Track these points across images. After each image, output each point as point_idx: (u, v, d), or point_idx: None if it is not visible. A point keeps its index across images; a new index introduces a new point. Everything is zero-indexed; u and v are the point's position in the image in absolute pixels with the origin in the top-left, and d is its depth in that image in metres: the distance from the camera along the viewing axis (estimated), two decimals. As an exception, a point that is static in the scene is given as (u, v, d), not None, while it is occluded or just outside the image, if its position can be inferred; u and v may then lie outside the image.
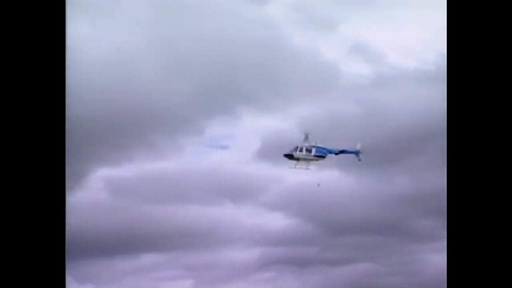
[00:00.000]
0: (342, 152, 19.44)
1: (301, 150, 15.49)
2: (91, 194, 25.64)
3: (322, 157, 15.01)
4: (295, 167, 15.74)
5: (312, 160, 14.74)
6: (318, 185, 34.64)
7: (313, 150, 15.01)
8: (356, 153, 19.04)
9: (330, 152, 18.03)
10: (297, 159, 15.42)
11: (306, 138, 16.34)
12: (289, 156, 15.61)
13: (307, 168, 15.27)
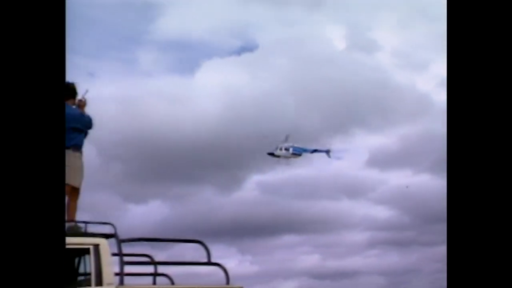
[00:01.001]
0: (315, 151, 20.93)
1: (281, 149, 16.44)
2: (247, 193, 33.76)
3: (299, 155, 15.91)
4: (278, 163, 17.24)
5: (290, 157, 15.54)
6: (407, 187, 41.92)
7: (291, 149, 15.88)
8: (327, 151, 20.76)
9: (305, 151, 19.17)
10: (278, 156, 16.42)
11: (286, 139, 17.11)
12: (271, 154, 16.60)
13: (287, 164, 16.41)
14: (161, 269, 8.13)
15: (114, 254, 7.25)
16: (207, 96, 35.41)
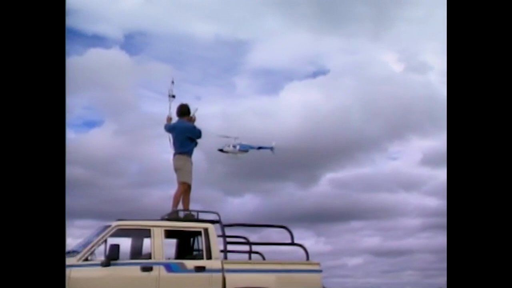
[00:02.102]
0: (260, 148, 21.33)
1: (229, 146, 17.31)
2: (321, 188, 37.38)
3: (246, 151, 16.48)
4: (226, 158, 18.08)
5: (238, 153, 16.23)
6: None
7: (238, 146, 16.54)
8: (271, 148, 21.03)
9: (252, 148, 19.68)
10: (227, 152, 17.19)
11: (235, 138, 18.00)
12: (221, 150, 17.45)
13: (236, 159, 17.13)
14: (254, 248, 9.43)
15: (219, 236, 8.57)
16: (289, 111, 40.07)
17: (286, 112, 39.39)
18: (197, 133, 9.96)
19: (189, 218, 9.03)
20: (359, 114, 39.24)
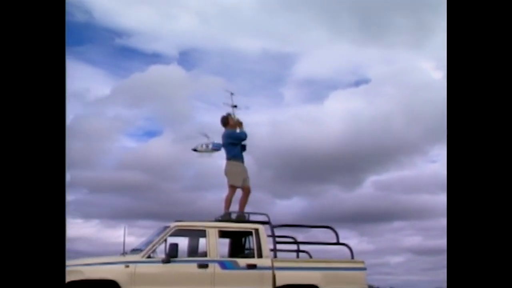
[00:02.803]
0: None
1: (202, 146, 17.17)
2: (365, 190, 38.33)
3: (218, 149, 16.17)
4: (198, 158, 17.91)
5: (211, 152, 16.03)
6: None
7: (210, 145, 16.32)
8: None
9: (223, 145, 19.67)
10: (200, 151, 17.05)
11: (207, 137, 17.80)
12: (194, 150, 17.37)
13: (209, 157, 17.03)
14: (302, 247, 9.77)
15: (268, 236, 9.04)
16: (334, 118, 41.23)
17: (331, 119, 40.37)
18: (238, 136, 10.47)
19: (241, 219, 9.59)
20: (400, 120, 39.63)
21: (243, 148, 10.55)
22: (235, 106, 10.87)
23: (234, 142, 10.46)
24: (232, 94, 10.93)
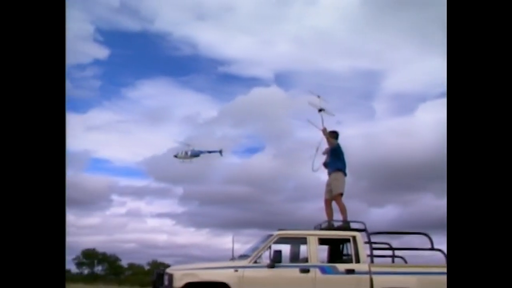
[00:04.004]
0: (210, 152, 19.83)
1: (182, 153, 16.63)
2: None
3: (197, 156, 15.55)
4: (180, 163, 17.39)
5: (190, 158, 15.52)
6: None
7: (189, 152, 15.79)
8: (220, 151, 19.98)
9: (202, 152, 18.39)
10: (180, 158, 16.59)
11: (187, 144, 17.27)
12: (175, 156, 17.05)
13: (190, 163, 16.46)
14: (397, 253, 9.87)
15: (365, 242, 9.32)
16: (424, 128, 39.80)
17: (422, 129, 39.29)
18: (337, 149, 10.85)
19: (345, 227, 9.99)
20: (428, 133, 38.28)
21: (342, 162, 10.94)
22: (322, 110, 11.10)
23: (339, 155, 10.88)
24: (319, 97, 11.19)
